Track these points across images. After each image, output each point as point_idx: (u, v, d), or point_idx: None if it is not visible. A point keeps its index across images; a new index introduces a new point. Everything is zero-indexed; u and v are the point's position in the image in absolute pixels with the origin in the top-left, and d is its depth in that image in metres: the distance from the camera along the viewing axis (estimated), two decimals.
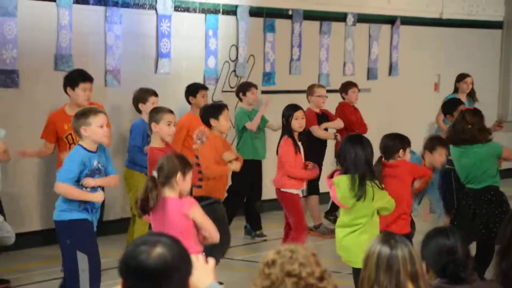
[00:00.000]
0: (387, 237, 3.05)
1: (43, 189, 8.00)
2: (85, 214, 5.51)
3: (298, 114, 7.19)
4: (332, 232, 8.81)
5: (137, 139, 7.46)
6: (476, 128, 6.44)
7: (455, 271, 3.51)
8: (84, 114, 5.51)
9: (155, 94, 7.75)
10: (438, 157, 6.41)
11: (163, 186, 4.93)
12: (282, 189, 7.13)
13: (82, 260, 5.46)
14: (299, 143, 7.24)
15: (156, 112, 6.42)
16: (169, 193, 4.95)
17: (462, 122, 6.49)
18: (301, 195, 7.26)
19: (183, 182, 4.93)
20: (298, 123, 7.16)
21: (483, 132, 6.47)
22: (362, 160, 5.41)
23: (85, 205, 5.52)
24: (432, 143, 6.46)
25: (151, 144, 6.40)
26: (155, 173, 4.95)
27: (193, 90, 8.44)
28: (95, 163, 5.53)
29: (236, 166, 6.83)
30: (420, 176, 6.13)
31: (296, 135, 7.19)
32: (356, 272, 5.49)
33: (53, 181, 5.67)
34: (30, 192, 8.03)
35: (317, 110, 8.92)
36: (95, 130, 5.46)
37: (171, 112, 6.45)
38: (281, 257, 2.59)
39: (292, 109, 7.26)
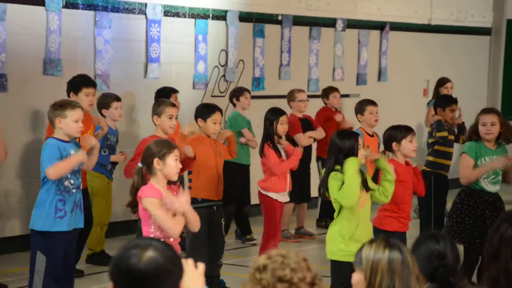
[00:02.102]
0: (389, 241, 3.04)
1: (25, 193, 7.97)
2: (61, 223, 5.53)
3: (283, 119, 7.22)
4: (295, 237, 8.89)
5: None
6: None
7: (444, 275, 3.52)
8: (62, 106, 5.61)
9: (117, 99, 7.78)
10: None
11: (151, 175, 4.96)
12: (263, 192, 7.17)
13: (40, 261, 5.52)
14: (281, 147, 7.23)
15: (158, 105, 6.51)
16: (152, 181, 4.96)
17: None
18: (283, 200, 7.22)
19: (164, 166, 4.91)
20: (283, 128, 7.20)
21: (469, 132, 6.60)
22: (339, 149, 5.43)
23: (61, 211, 5.53)
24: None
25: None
26: (140, 165, 4.97)
27: (165, 94, 8.28)
28: (71, 152, 5.60)
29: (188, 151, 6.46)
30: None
31: (276, 139, 7.20)
32: (331, 264, 5.54)
33: (34, 184, 5.71)
34: (10, 196, 7.99)
35: (300, 115, 8.90)
36: (69, 124, 5.55)
37: (173, 105, 6.55)
38: (272, 262, 2.58)
39: (277, 113, 7.25)
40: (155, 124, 6.58)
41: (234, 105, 8.81)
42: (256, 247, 8.51)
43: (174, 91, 8.44)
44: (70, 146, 5.64)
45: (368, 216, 5.61)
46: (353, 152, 5.44)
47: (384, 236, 3.09)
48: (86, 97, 7.02)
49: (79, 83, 7.09)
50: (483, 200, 6.39)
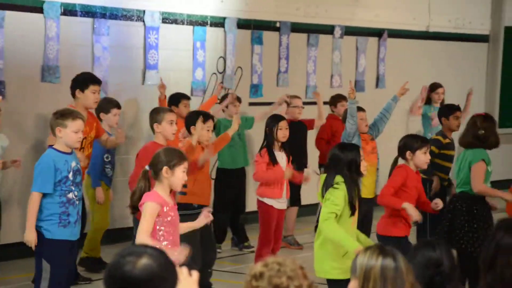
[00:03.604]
0: (384, 249, 3.05)
1: (24, 199, 7.95)
2: (65, 232, 5.52)
3: (282, 124, 7.30)
4: (299, 244, 8.86)
5: (96, 148, 7.43)
6: (489, 132, 6.64)
7: (441, 283, 3.53)
8: (63, 115, 5.59)
9: (118, 106, 7.80)
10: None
11: (156, 181, 4.96)
12: (259, 198, 7.19)
13: (45, 269, 5.51)
14: (283, 153, 7.26)
15: (157, 113, 6.51)
16: (156, 188, 4.96)
17: (474, 127, 6.66)
18: (281, 208, 7.22)
19: (172, 176, 4.93)
20: (282, 133, 7.28)
21: (485, 140, 6.63)
22: (341, 161, 5.40)
23: (65, 221, 5.53)
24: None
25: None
26: (147, 167, 4.98)
27: (175, 100, 8.39)
28: (73, 164, 5.58)
29: None
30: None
31: (278, 145, 7.26)
32: (328, 282, 5.46)
33: None
34: (12, 202, 7.98)
35: (294, 120, 8.81)
36: (69, 134, 5.53)
37: (171, 111, 6.58)
38: (268, 270, 2.58)
39: (276, 119, 7.35)
40: (154, 132, 6.58)
41: (223, 110, 8.79)
42: (253, 254, 8.50)
43: (185, 97, 8.48)
44: (72, 158, 5.61)
45: (355, 229, 5.56)
46: (356, 164, 5.41)
47: (379, 243, 3.10)
48: (92, 95, 7.03)
49: (86, 80, 7.08)
50: (487, 207, 6.49)
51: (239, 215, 8.72)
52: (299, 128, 8.82)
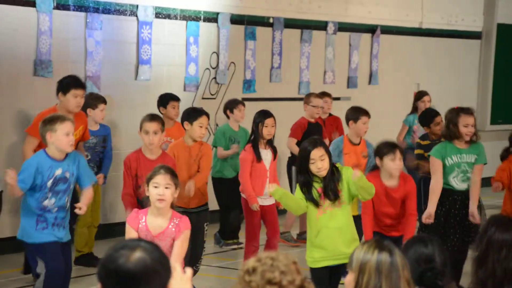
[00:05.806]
0: (381, 243, 3.06)
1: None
2: (43, 234, 5.54)
3: (268, 121, 7.10)
4: (295, 241, 8.80)
5: None
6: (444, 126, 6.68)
7: (432, 279, 3.54)
8: (51, 120, 5.56)
9: (104, 101, 7.80)
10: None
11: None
12: (242, 195, 7.14)
13: (40, 266, 5.55)
14: (268, 150, 7.14)
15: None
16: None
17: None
18: (266, 203, 7.10)
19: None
20: (267, 130, 7.08)
21: (444, 132, 6.63)
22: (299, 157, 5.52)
23: (42, 223, 5.54)
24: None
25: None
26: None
27: (164, 101, 8.28)
28: (58, 171, 5.53)
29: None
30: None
31: (264, 142, 7.12)
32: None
33: None
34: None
35: (312, 120, 8.69)
36: (60, 138, 5.49)
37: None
38: (262, 264, 2.59)
39: (263, 116, 7.15)
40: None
41: (228, 117, 8.70)
42: (236, 251, 8.47)
43: (174, 98, 8.32)
44: (59, 165, 5.55)
45: (334, 223, 5.48)
46: (305, 161, 5.43)
47: (378, 238, 3.11)
48: (74, 98, 6.97)
49: (69, 83, 7.04)
50: (451, 199, 6.48)
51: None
52: (314, 129, 8.57)
